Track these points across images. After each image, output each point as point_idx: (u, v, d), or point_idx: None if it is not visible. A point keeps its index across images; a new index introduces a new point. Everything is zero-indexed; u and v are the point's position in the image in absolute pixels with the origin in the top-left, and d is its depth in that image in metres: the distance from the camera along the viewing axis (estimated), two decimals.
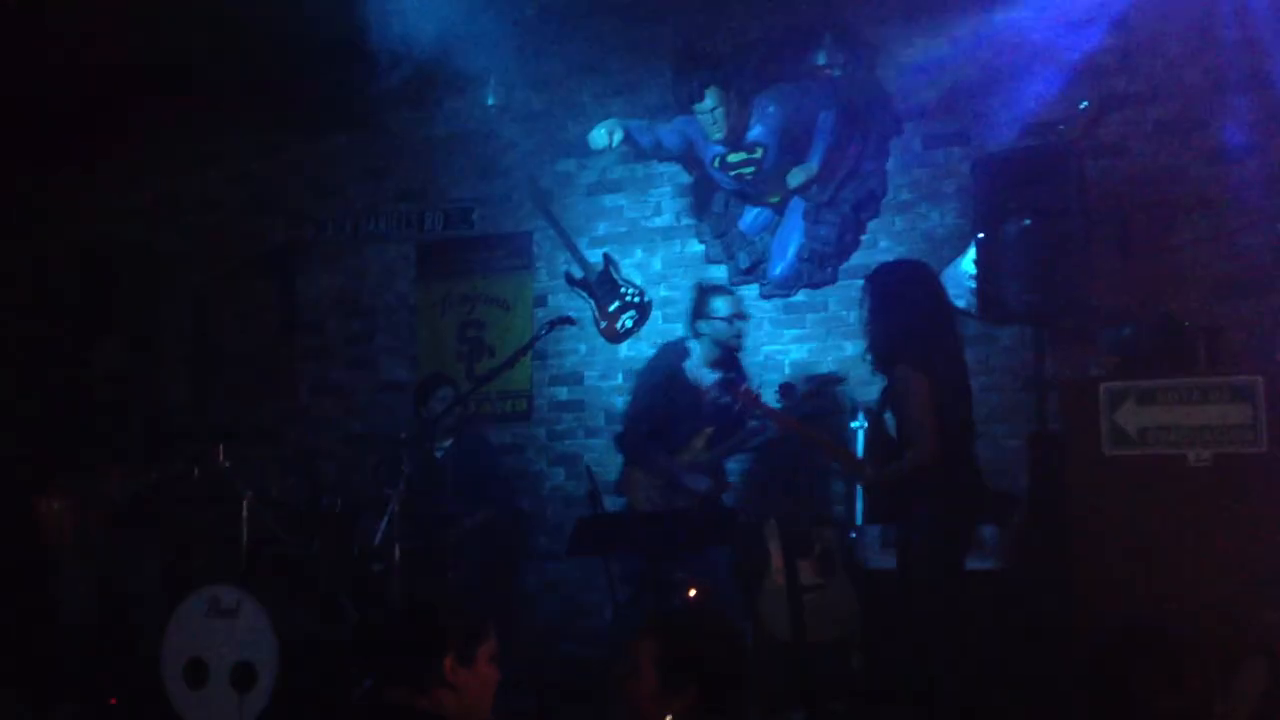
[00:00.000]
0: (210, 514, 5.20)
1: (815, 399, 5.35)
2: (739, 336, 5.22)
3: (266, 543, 4.93)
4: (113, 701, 5.06)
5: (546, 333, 4.92)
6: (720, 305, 5.17)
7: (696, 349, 5.21)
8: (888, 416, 4.23)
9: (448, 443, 5.62)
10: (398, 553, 4.72)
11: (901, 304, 4.23)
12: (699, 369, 5.21)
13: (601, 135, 5.48)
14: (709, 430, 5.08)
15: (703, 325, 5.17)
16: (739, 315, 5.21)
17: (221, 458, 4.87)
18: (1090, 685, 1.98)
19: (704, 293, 5.32)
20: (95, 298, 6.95)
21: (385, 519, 4.80)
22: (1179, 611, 3.62)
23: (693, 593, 5.32)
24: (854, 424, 5.36)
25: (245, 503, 4.86)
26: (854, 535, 5.06)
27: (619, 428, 5.57)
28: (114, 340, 5.54)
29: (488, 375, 5.15)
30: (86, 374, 5.57)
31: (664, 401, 5.19)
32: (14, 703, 5.12)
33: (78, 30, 5.96)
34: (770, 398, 5.00)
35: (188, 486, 5.14)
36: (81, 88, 6.72)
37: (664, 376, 5.24)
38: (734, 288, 5.54)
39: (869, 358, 4.34)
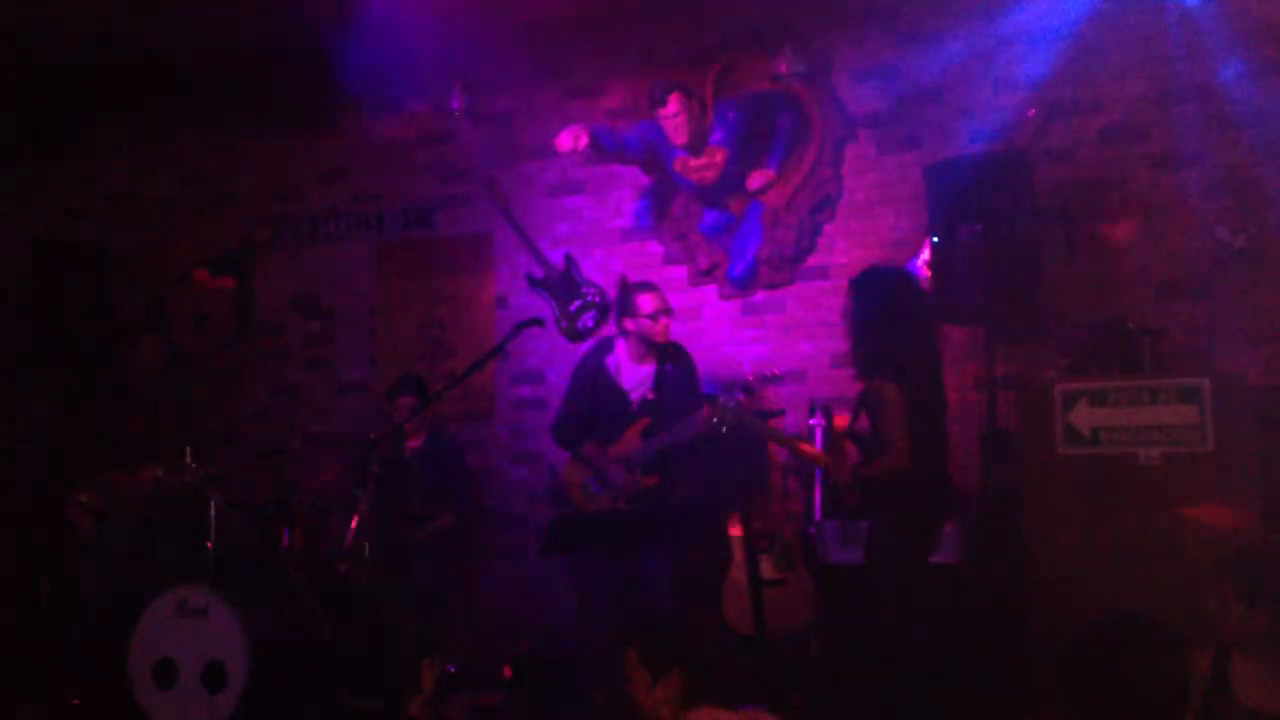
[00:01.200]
0: (178, 514, 5.20)
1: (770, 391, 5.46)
2: (665, 331, 5.20)
3: (234, 543, 4.95)
4: (74, 702, 5.04)
5: (515, 335, 4.98)
6: (644, 301, 5.18)
7: (623, 345, 5.26)
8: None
9: (415, 443, 5.66)
10: (367, 552, 4.77)
11: (886, 314, 4.26)
12: (627, 364, 5.24)
13: (567, 139, 5.55)
14: (643, 423, 5.12)
15: (628, 322, 5.18)
16: (663, 310, 5.18)
17: (189, 459, 4.88)
18: (1068, 675, 2.09)
19: (628, 290, 5.36)
20: (49, 297, 6.89)
21: (355, 519, 4.84)
22: (1130, 606, 3.78)
23: None
24: (811, 421, 5.51)
25: (213, 503, 4.87)
26: (813, 530, 5.19)
27: None
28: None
29: (458, 379, 5.18)
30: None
31: (588, 397, 5.26)
32: None
33: (38, 27, 5.92)
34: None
35: (155, 487, 5.14)
36: (39, 86, 6.68)
37: (586, 374, 5.30)
38: (654, 284, 5.44)
39: (855, 363, 4.41)
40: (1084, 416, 4.21)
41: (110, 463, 5.30)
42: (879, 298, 4.29)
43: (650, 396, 5.16)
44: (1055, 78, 5.32)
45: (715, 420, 4.64)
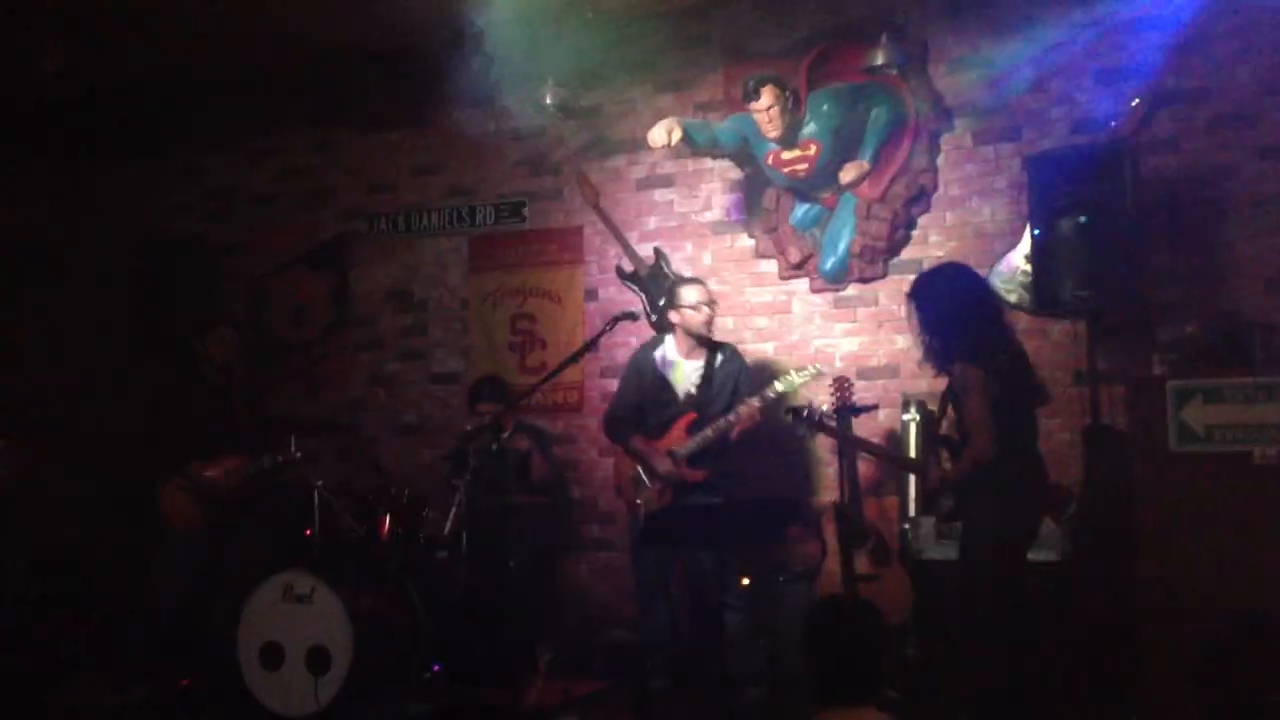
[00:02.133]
0: (283, 503, 5.33)
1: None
2: (708, 324, 5.31)
3: (336, 530, 5.06)
4: (185, 683, 5.19)
5: (611, 328, 5.02)
6: (688, 295, 5.31)
7: (672, 340, 5.38)
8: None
9: (506, 434, 5.73)
10: (464, 542, 4.85)
11: (950, 305, 4.27)
12: (675, 358, 5.36)
13: (660, 133, 5.57)
14: (689, 418, 5.20)
15: (673, 314, 5.34)
16: (707, 303, 5.30)
17: (293, 448, 4.99)
18: (1203, 680, 2.05)
19: (674, 283, 5.53)
20: (158, 287, 7.10)
21: (453, 509, 4.92)
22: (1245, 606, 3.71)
23: (745, 581, 5.46)
24: (905, 417, 5.47)
25: (316, 492, 4.98)
26: (907, 527, 5.15)
27: None
28: (224, 330, 5.69)
29: (551, 373, 5.26)
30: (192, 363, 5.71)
31: (637, 391, 5.39)
32: (91, 684, 5.28)
33: (148, 31, 6.09)
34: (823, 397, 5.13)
35: (263, 476, 5.27)
36: (145, 84, 6.88)
37: (636, 368, 5.45)
38: (700, 279, 5.58)
39: (928, 365, 4.40)
40: (1198, 413, 4.12)
41: (195, 453, 5.43)
42: (941, 296, 4.30)
43: (695, 391, 5.25)
44: (1160, 67, 5.20)
45: (758, 418, 4.71)
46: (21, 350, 6.95)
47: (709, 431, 5.11)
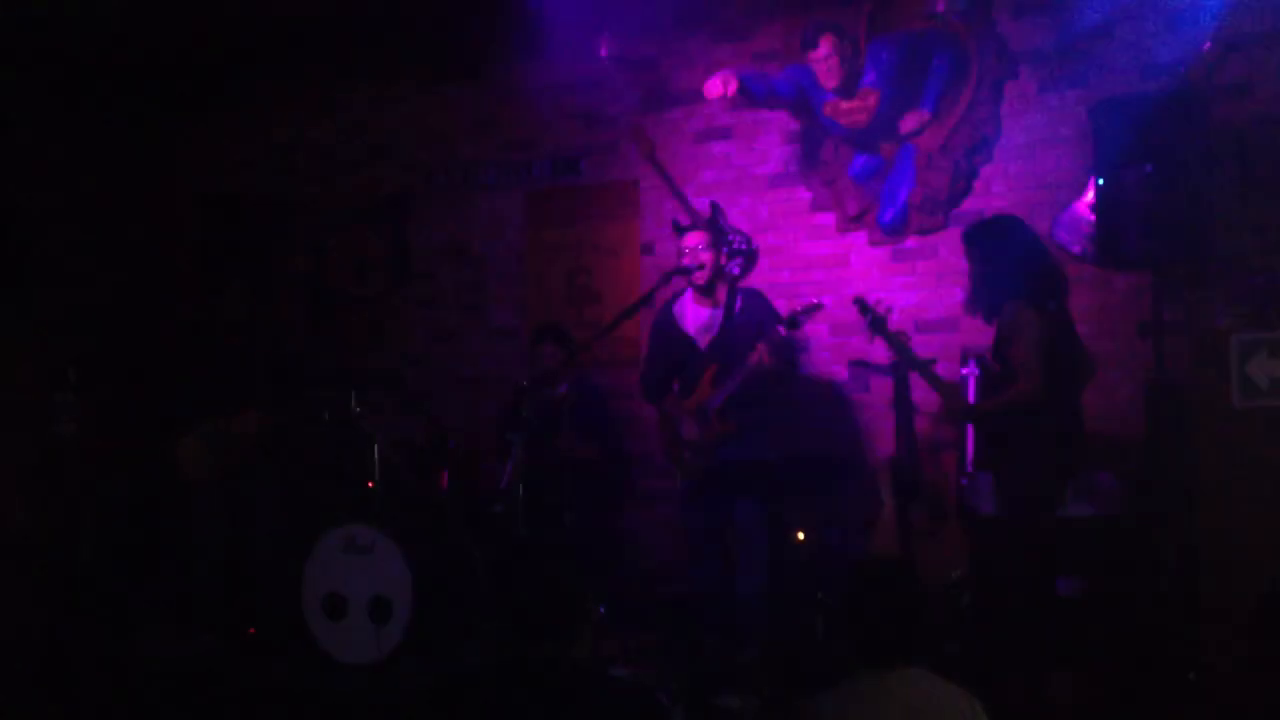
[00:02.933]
0: (342, 455, 5.42)
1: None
2: (701, 269, 5.17)
3: (396, 483, 5.14)
4: (251, 632, 5.34)
5: (665, 282, 5.00)
6: (684, 239, 5.26)
7: (690, 292, 5.31)
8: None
9: (563, 388, 5.76)
10: (521, 494, 4.90)
11: (1002, 250, 4.38)
12: (691, 309, 5.29)
13: (716, 85, 5.51)
14: (713, 369, 5.12)
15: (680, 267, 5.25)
16: (693, 248, 5.18)
17: (353, 401, 5.07)
18: (1259, 634, 2.03)
19: (677, 231, 5.47)
20: (220, 243, 7.22)
21: (510, 462, 4.97)
22: None
23: (800, 536, 5.46)
24: (965, 371, 5.40)
25: (376, 445, 5.06)
26: (965, 482, 5.11)
27: None
28: (242, 285, 5.79)
29: (608, 326, 5.26)
30: (216, 317, 5.83)
31: (661, 350, 5.35)
32: (156, 634, 5.44)
33: None
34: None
35: (320, 428, 5.36)
36: (210, 40, 6.93)
37: (656, 328, 5.40)
38: (697, 225, 5.54)
39: (979, 311, 4.41)
40: (1263, 367, 4.02)
41: (212, 408, 5.54)
42: (995, 240, 4.42)
43: (716, 342, 5.16)
44: (1232, 9, 5.02)
45: (764, 361, 4.66)
46: (90, 310, 7.09)
47: (730, 382, 5.02)
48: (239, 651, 5.15)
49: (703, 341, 5.24)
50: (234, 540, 5.64)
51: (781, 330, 4.99)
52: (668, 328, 5.34)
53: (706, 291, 5.25)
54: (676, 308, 5.35)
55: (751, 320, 5.17)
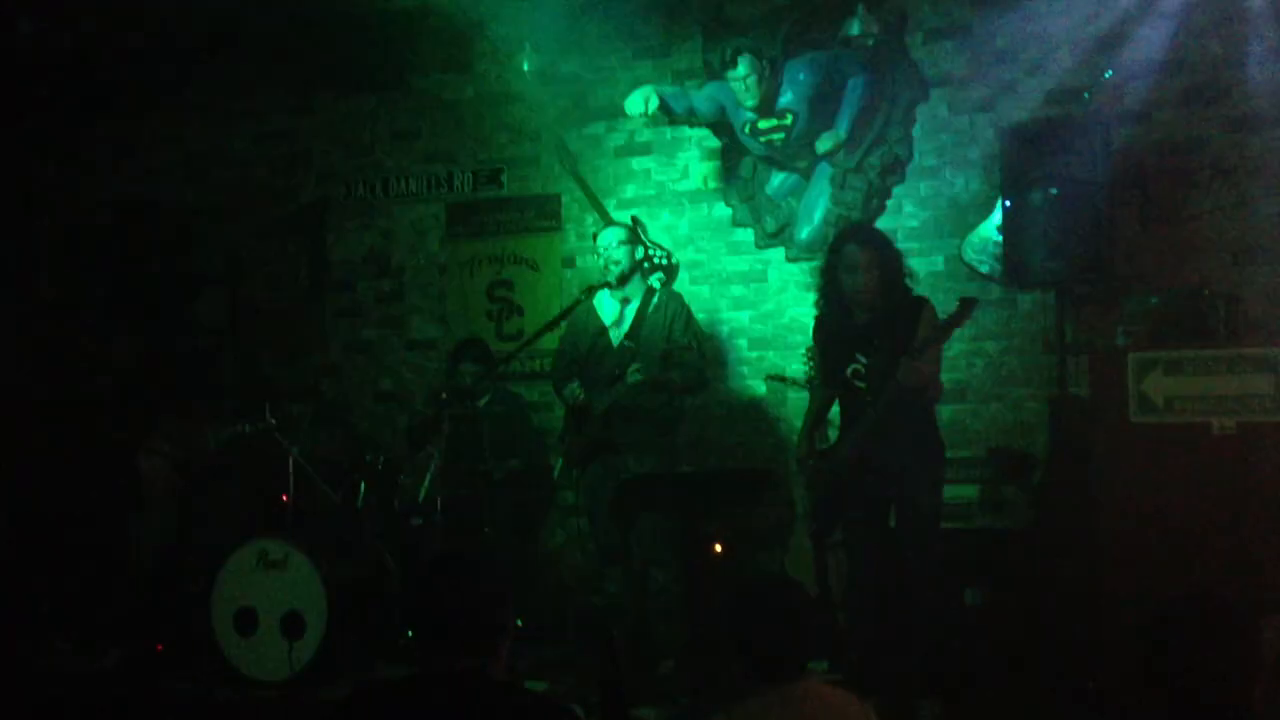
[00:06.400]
0: (258, 469, 5.35)
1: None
2: (613, 265, 5.20)
3: (311, 497, 5.09)
4: (159, 648, 5.23)
5: (587, 298, 5.03)
6: (598, 242, 5.32)
7: (606, 291, 5.30)
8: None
9: (483, 401, 5.76)
10: (439, 507, 4.88)
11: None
12: (608, 300, 5.30)
13: (638, 101, 5.57)
14: (616, 370, 5.14)
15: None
16: (608, 245, 5.24)
17: (268, 415, 5.01)
18: (1148, 653, 2.12)
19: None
20: (132, 253, 7.07)
21: (428, 476, 4.95)
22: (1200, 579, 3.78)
23: (718, 548, 5.50)
24: None
25: (291, 458, 5.01)
26: None
27: None
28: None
29: (527, 340, 5.26)
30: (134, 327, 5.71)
31: (572, 347, 5.36)
32: (63, 647, 5.32)
33: None
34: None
35: (238, 442, 5.29)
36: (122, 46, 6.80)
37: (571, 323, 5.39)
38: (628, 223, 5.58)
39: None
40: (1158, 385, 4.18)
41: (174, 414, 5.45)
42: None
43: (628, 342, 5.17)
44: (1133, 39, 5.21)
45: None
46: None
47: (618, 381, 5.01)
48: (146, 668, 5.04)
49: (614, 335, 5.26)
50: (158, 553, 5.53)
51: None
52: (587, 324, 5.34)
53: (622, 287, 5.26)
54: (595, 304, 5.36)
55: (663, 319, 5.19)
